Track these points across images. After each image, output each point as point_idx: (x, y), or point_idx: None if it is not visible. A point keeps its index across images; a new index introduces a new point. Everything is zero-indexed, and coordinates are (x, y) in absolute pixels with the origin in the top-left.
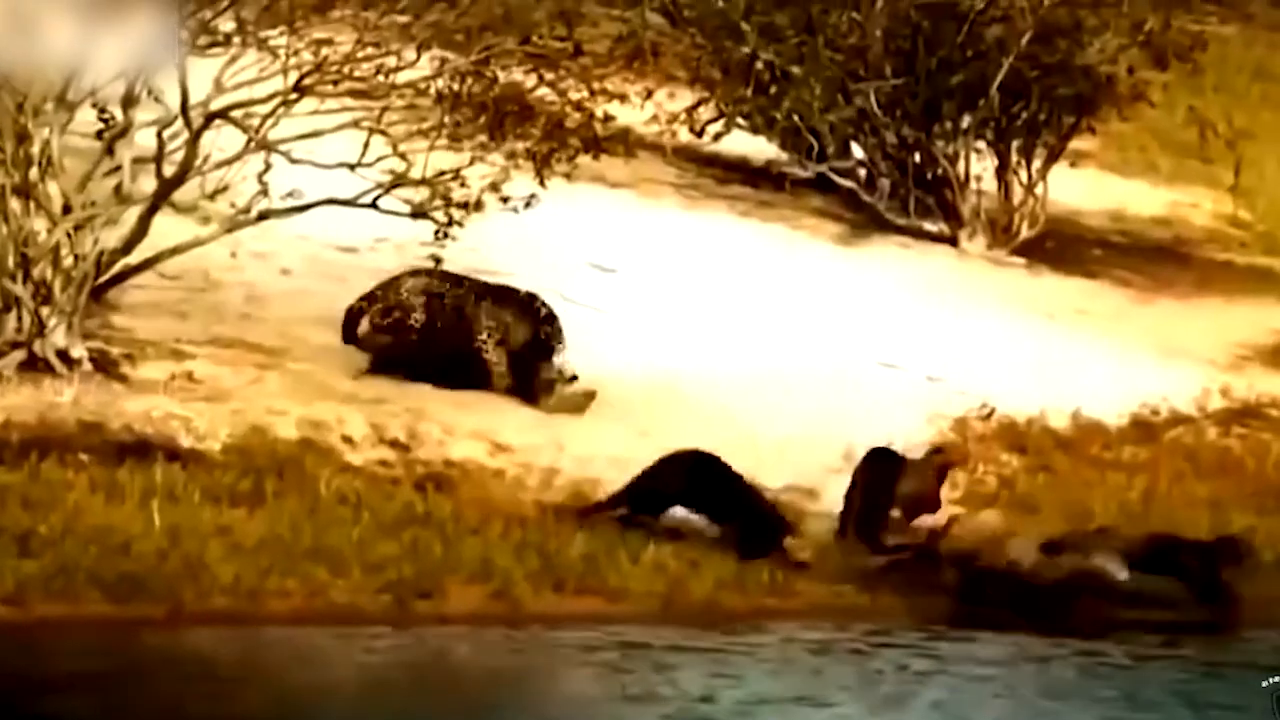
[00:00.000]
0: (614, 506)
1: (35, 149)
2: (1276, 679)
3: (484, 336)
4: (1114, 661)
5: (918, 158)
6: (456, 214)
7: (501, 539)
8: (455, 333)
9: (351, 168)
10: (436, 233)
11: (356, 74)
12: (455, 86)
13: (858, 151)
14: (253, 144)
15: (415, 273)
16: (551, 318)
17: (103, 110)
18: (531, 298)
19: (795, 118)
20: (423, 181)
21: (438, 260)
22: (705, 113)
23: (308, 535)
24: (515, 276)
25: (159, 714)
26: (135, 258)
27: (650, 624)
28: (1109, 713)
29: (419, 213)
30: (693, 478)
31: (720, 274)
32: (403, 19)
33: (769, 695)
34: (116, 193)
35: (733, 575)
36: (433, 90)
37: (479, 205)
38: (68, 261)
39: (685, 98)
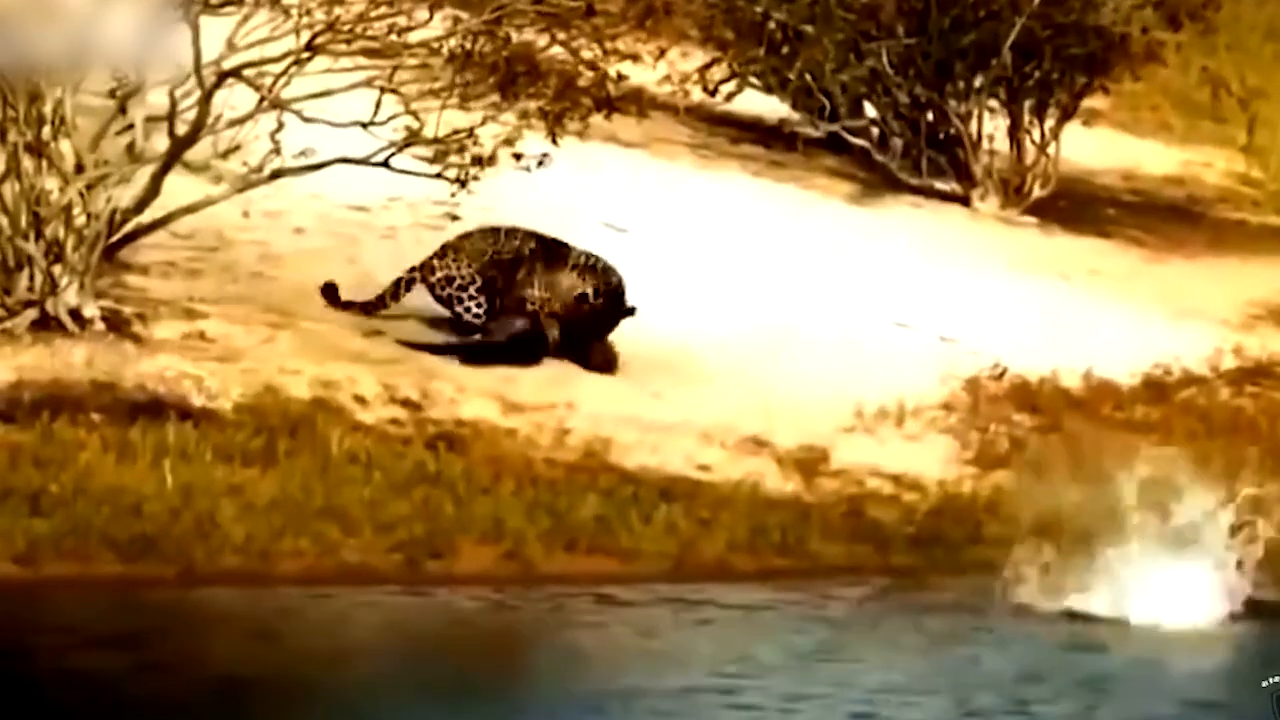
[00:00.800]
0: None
1: (48, 108)
2: (1276, 679)
3: (534, 306)
4: None
5: (930, 117)
6: (471, 170)
7: (513, 498)
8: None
9: (364, 126)
10: (451, 190)
11: (369, 33)
12: (467, 46)
13: (870, 111)
14: (265, 103)
15: (470, 234)
16: (607, 283)
17: (115, 69)
18: (590, 262)
19: (808, 77)
20: (435, 140)
21: (454, 218)
22: (718, 72)
23: (319, 495)
24: None
25: (173, 673)
26: (147, 217)
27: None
28: None
29: (433, 171)
30: None
31: (733, 234)
32: None
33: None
34: (129, 151)
35: (745, 536)
36: (445, 50)
37: (493, 160)
38: (80, 220)
39: (698, 57)
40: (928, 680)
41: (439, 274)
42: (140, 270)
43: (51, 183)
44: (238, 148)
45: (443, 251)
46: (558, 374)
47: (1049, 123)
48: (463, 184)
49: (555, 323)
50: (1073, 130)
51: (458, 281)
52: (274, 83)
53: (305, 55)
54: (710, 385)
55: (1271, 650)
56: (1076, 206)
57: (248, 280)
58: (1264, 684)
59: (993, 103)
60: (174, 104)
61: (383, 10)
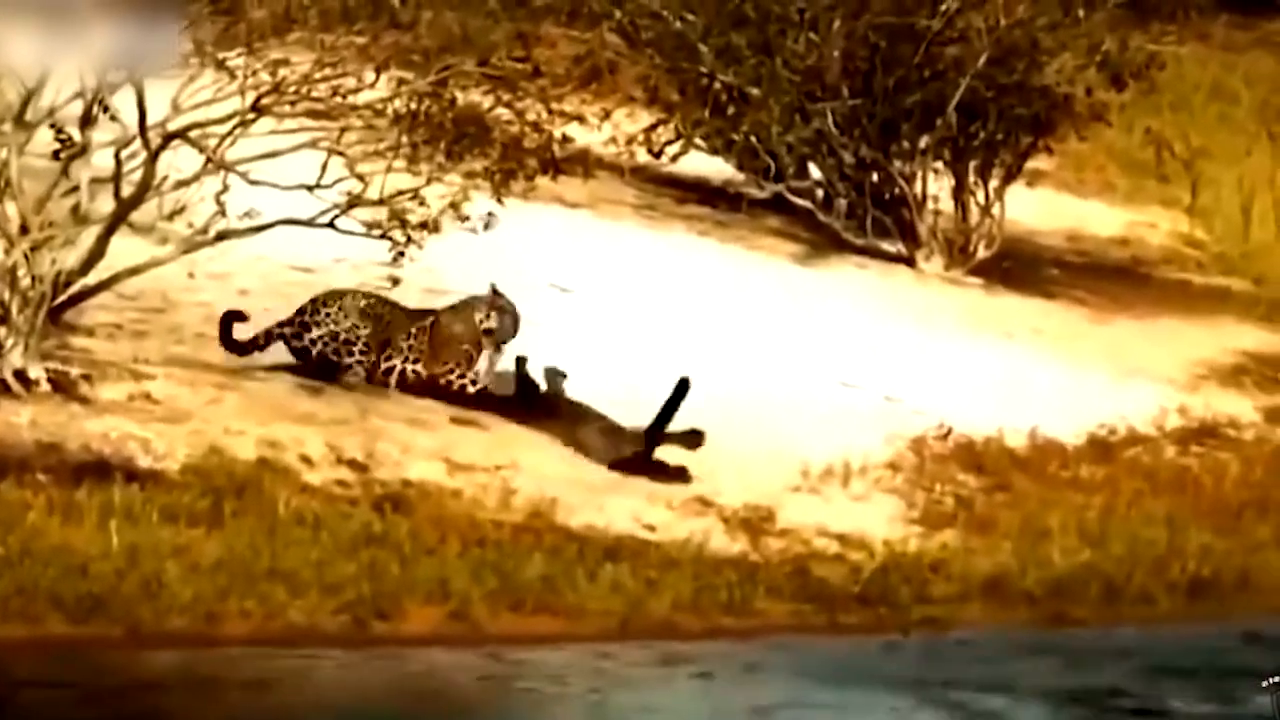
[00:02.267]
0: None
1: None
2: (1276, 679)
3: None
4: None
5: (875, 178)
6: (415, 234)
7: (459, 559)
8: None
9: (310, 189)
10: (394, 253)
11: (314, 94)
12: (413, 107)
13: (815, 172)
14: (210, 164)
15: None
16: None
17: (60, 130)
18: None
19: (753, 138)
20: (380, 201)
21: (395, 281)
22: (663, 133)
23: (266, 555)
24: None
25: None
26: (93, 278)
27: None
28: None
29: (378, 233)
30: None
31: (678, 294)
32: (360, 40)
33: None
34: (74, 213)
35: (690, 595)
36: (390, 111)
37: (437, 226)
38: (25, 282)
39: (643, 118)
40: None
41: (316, 331)
42: (86, 332)
43: None
44: (183, 209)
45: (314, 309)
46: (503, 435)
47: (993, 183)
48: (405, 248)
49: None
50: (1017, 191)
51: (343, 337)
52: (219, 144)
53: (250, 116)
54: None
55: None
56: (1021, 267)
57: (193, 341)
58: (1264, 684)
59: (938, 163)
60: (119, 165)
61: (327, 72)
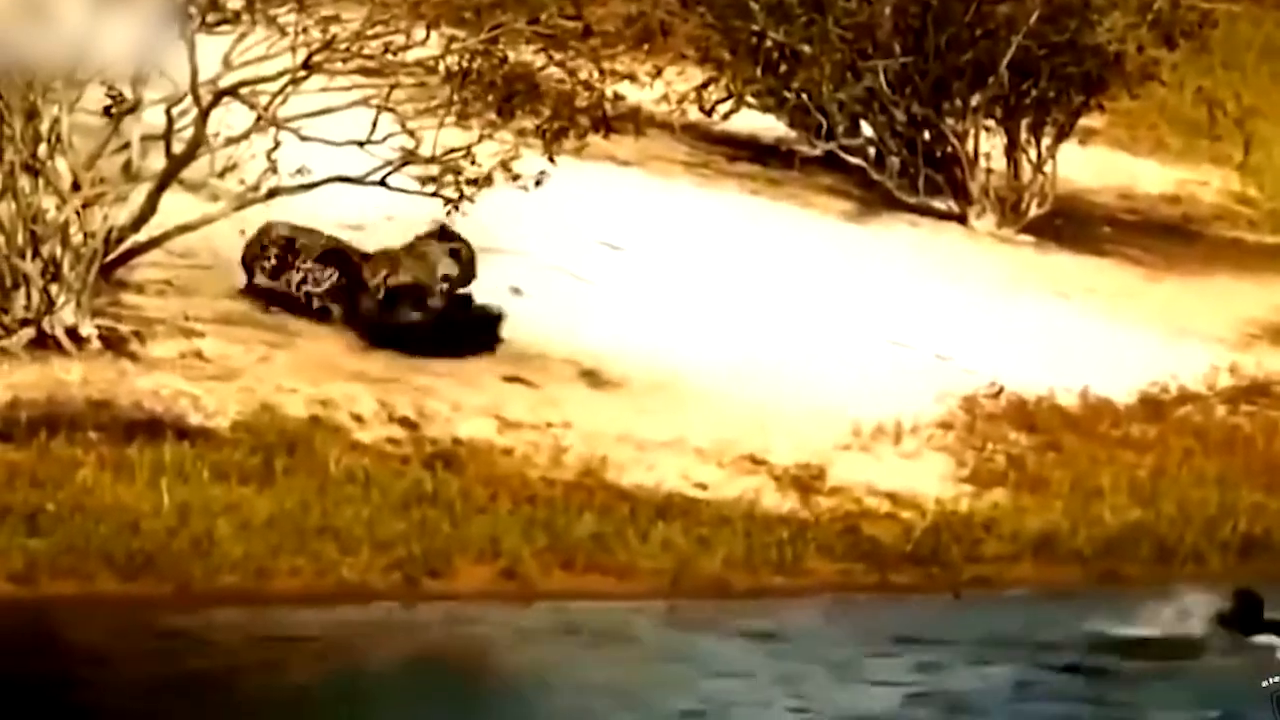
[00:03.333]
0: None
1: (44, 126)
2: (1277, 679)
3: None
4: None
5: (927, 136)
6: (467, 190)
7: (510, 516)
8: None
9: (360, 145)
10: (447, 209)
11: (365, 52)
12: (464, 65)
13: (867, 130)
14: (261, 121)
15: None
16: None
17: (111, 87)
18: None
19: (804, 96)
20: (432, 159)
21: None
22: (715, 91)
23: (317, 513)
24: (525, 254)
25: (170, 690)
26: (144, 235)
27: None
28: None
29: (430, 190)
30: None
31: (729, 251)
32: None
33: None
34: (125, 170)
35: (742, 553)
36: (442, 68)
37: (489, 180)
38: (77, 239)
39: (695, 76)
40: None
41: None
42: (137, 289)
43: (48, 201)
44: (234, 166)
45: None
46: (553, 393)
47: (1045, 141)
48: (458, 203)
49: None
50: (1069, 149)
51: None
52: (270, 101)
53: (302, 74)
54: (707, 403)
55: None
56: (1073, 225)
57: (244, 299)
58: (1264, 684)
59: (989, 121)
60: (171, 122)
61: (379, 29)
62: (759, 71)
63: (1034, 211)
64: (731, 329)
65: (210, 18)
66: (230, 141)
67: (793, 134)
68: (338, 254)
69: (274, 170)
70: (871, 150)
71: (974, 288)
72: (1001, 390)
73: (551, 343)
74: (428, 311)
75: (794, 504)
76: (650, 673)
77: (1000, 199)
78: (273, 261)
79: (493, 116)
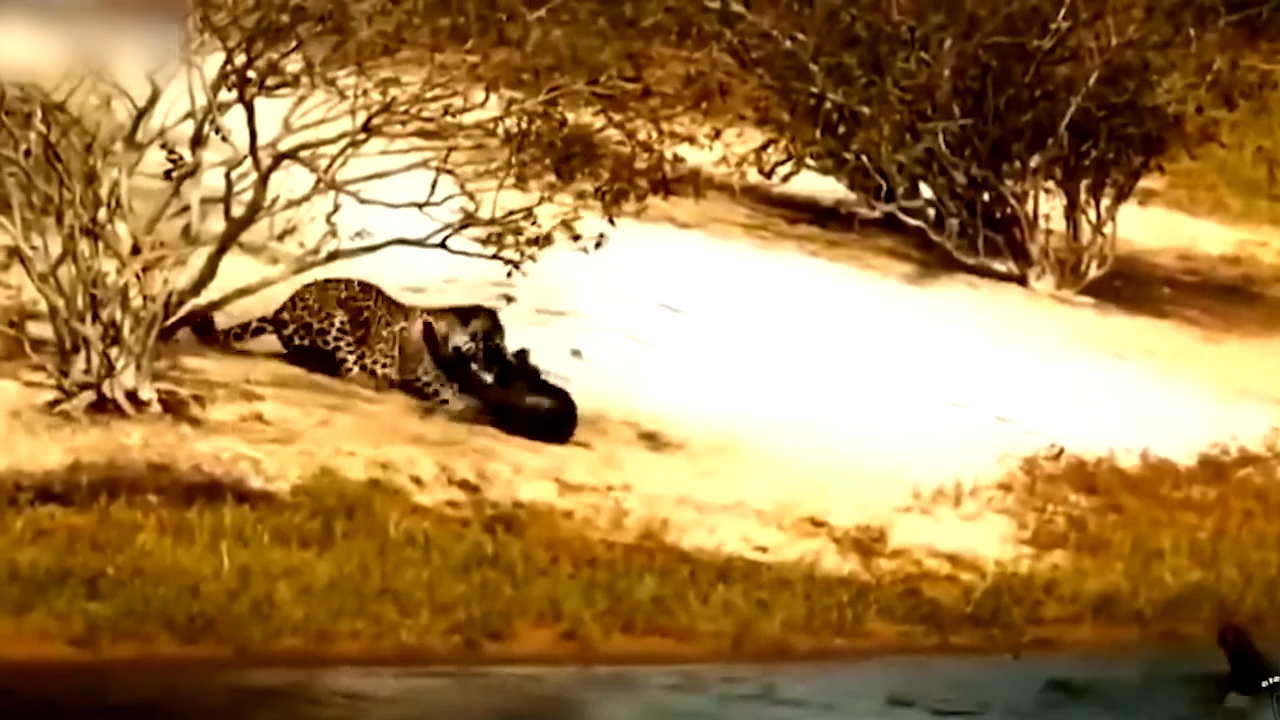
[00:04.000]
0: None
1: (104, 190)
2: (1276, 679)
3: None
4: None
5: (986, 197)
6: (527, 250)
7: (571, 579)
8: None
9: (420, 207)
10: (507, 270)
11: (424, 114)
12: (523, 126)
13: (926, 191)
14: (321, 184)
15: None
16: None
17: (171, 151)
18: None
19: (864, 158)
20: (492, 221)
21: (509, 299)
22: (774, 153)
23: (376, 576)
24: (584, 316)
25: None
26: (204, 299)
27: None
28: None
29: (489, 252)
30: None
31: (789, 313)
32: (471, 59)
33: None
34: (185, 233)
35: (802, 616)
36: (500, 130)
37: (549, 240)
38: (136, 302)
39: (754, 138)
40: None
41: (292, 326)
42: (197, 352)
43: (108, 265)
44: (294, 229)
45: (292, 304)
46: (613, 455)
47: (1105, 202)
48: (518, 265)
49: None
50: (1128, 210)
51: (316, 327)
52: (330, 164)
53: (361, 136)
54: (767, 466)
55: None
56: (1132, 286)
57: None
58: (1264, 684)
59: (1049, 182)
60: (230, 185)
61: (438, 91)
62: (818, 133)
63: (1093, 273)
64: (791, 391)
65: (269, 81)
66: (290, 204)
67: (852, 196)
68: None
69: (334, 233)
70: (931, 211)
71: (1034, 349)
72: (1062, 452)
73: (611, 405)
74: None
75: (854, 566)
76: None
77: (1060, 260)
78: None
79: (552, 179)
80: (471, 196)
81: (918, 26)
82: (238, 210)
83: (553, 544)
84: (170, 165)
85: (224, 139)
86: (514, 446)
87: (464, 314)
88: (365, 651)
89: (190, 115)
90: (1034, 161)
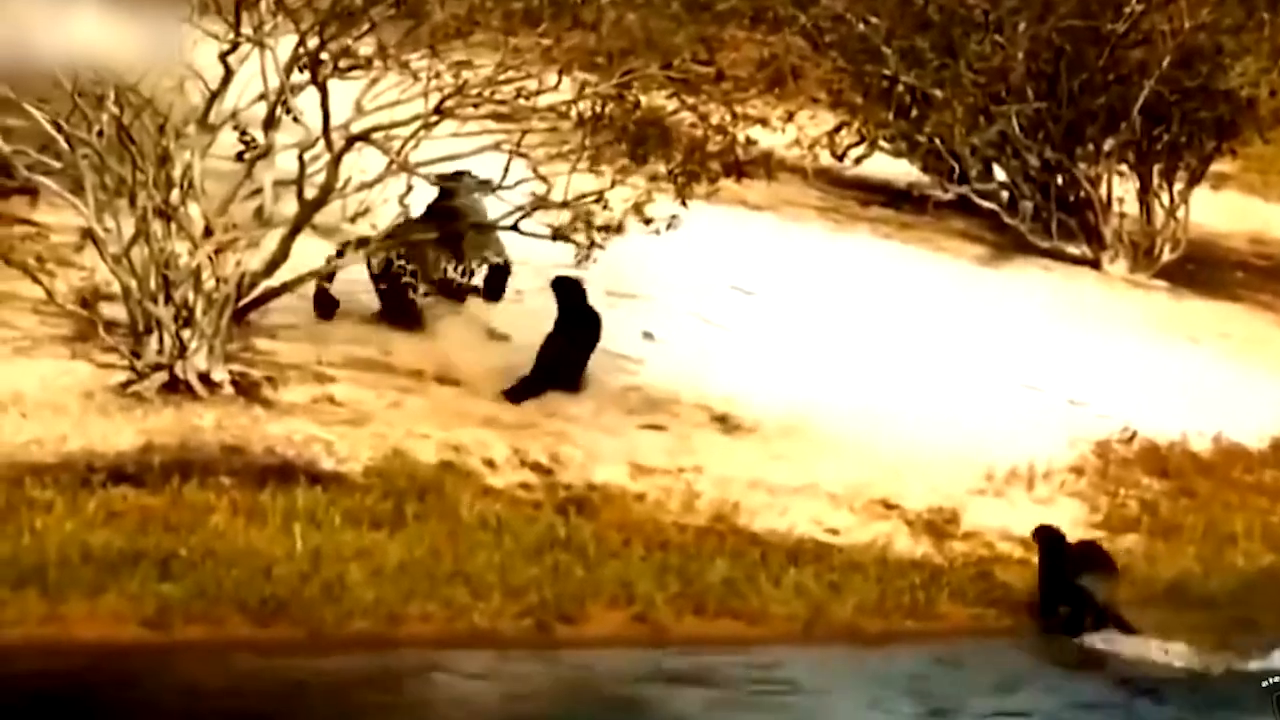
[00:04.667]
0: None
1: (177, 171)
2: (1276, 679)
3: None
4: None
5: (1060, 180)
6: (598, 236)
7: (642, 562)
8: None
9: (493, 190)
10: (577, 255)
11: (497, 97)
12: (596, 109)
13: (999, 174)
14: (394, 166)
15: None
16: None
17: (244, 133)
18: None
19: (937, 140)
20: (564, 204)
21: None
22: (847, 136)
23: (448, 558)
24: (656, 299)
25: None
26: (276, 280)
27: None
28: None
29: (561, 235)
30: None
31: (861, 296)
32: (544, 42)
33: None
34: (258, 215)
35: (874, 599)
36: (573, 113)
37: (620, 228)
38: (209, 284)
39: (827, 121)
40: None
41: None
42: (269, 334)
43: (181, 246)
44: (366, 211)
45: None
46: (686, 438)
47: (1178, 186)
48: (590, 249)
49: None
50: (1201, 193)
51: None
52: (402, 146)
53: (434, 119)
54: (838, 448)
55: None
56: (1205, 270)
57: (377, 344)
58: (1264, 684)
59: (1122, 166)
60: (303, 167)
61: (511, 74)
62: (891, 116)
63: (1166, 256)
64: (863, 373)
65: (343, 63)
66: (363, 186)
67: (925, 178)
68: None
69: (406, 215)
70: (1004, 194)
71: (1107, 332)
72: (1134, 435)
73: (683, 388)
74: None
75: (927, 549)
76: None
77: (1133, 244)
78: None
79: (624, 161)
80: (544, 179)
81: (991, 10)
82: (310, 192)
83: (625, 526)
84: (243, 147)
85: (296, 121)
86: (587, 429)
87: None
88: (437, 634)
89: (263, 97)
90: (1107, 145)
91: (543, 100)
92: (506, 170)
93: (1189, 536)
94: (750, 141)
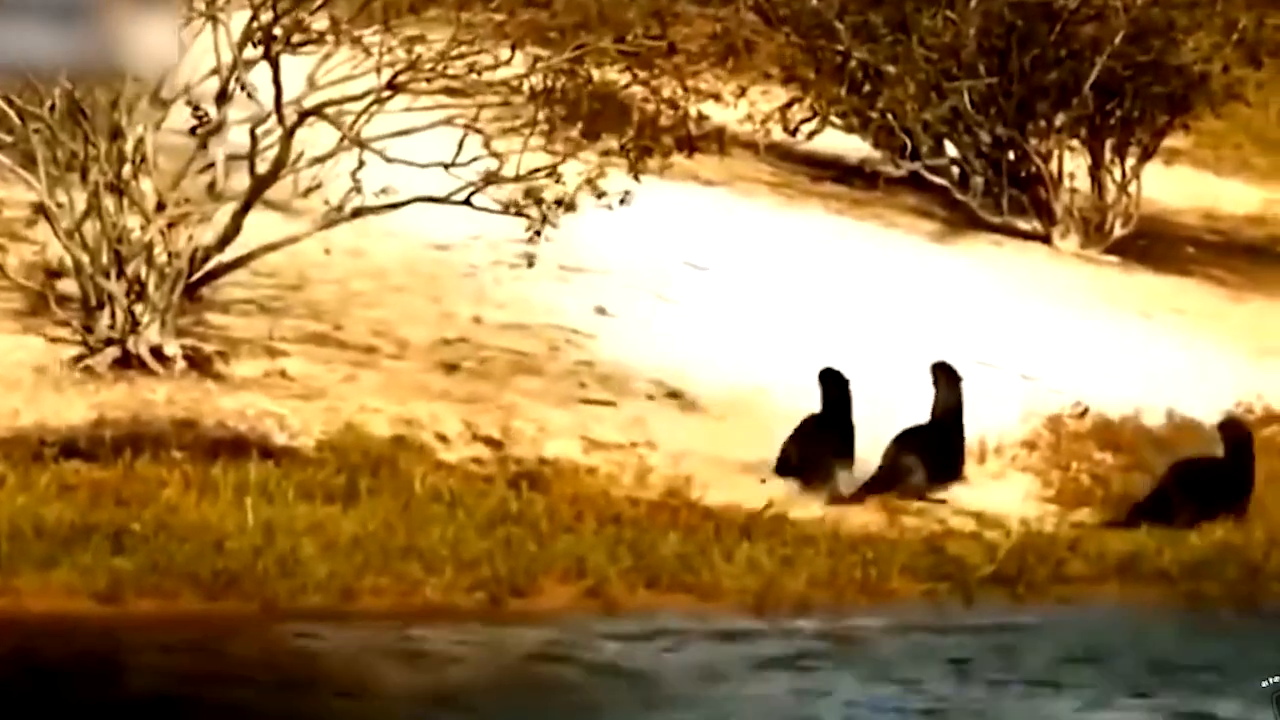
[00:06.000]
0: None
1: (129, 146)
2: (1276, 679)
3: None
4: None
5: (1011, 156)
6: (550, 211)
7: (595, 536)
8: None
9: (446, 166)
10: (530, 230)
11: (450, 71)
12: (549, 84)
13: (951, 150)
14: (346, 141)
15: None
16: None
17: (196, 107)
18: None
19: (889, 116)
20: (517, 178)
21: (531, 259)
22: (799, 111)
23: (401, 533)
24: (609, 274)
25: (253, 712)
26: (229, 255)
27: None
28: None
29: (514, 210)
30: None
31: (813, 271)
32: (497, 17)
33: None
34: (210, 190)
35: (826, 573)
36: (526, 88)
37: (573, 204)
38: (161, 259)
39: (779, 96)
40: None
41: None
42: (221, 308)
43: (133, 221)
44: (319, 186)
45: None
46: (637, 412)
47: (1130, 161)
48: (543, 224)
49: None
50: (1153, 169)
51: None
52: (355, 121)
53: (386, 94)
54: (791, 423)
55: None
56: (1158, 245)
57: (329, 318)
58: (1264, 684)
59: (1074, 142)
60: (255, 142)
61: (464, 49)
62: (843, 91)
63: (1118, 232)
64: (816, 349)
65: (295, 38)
66: (315, 161)
67: (877, 154)
68: None
69: (358, 190)
70: (956, 170)
71: (1058, 307)
72: (1086, 410)
73: (636, 363)
74: None
75: (879, 523)
76: None
77: (1084, 219)
78: None
79: (577, 137)
80: (497, 155)
81: None
82: (262, 167)
83: (577, 501)
84: (195, 122)
85: (249, 95)
86: (539, 404)
87: None
88: (390, 608)
89: (215, 72)
90: (1059, 120)
91: (496, 75)
92: (460, 146)
93: None
94: (702, 116)
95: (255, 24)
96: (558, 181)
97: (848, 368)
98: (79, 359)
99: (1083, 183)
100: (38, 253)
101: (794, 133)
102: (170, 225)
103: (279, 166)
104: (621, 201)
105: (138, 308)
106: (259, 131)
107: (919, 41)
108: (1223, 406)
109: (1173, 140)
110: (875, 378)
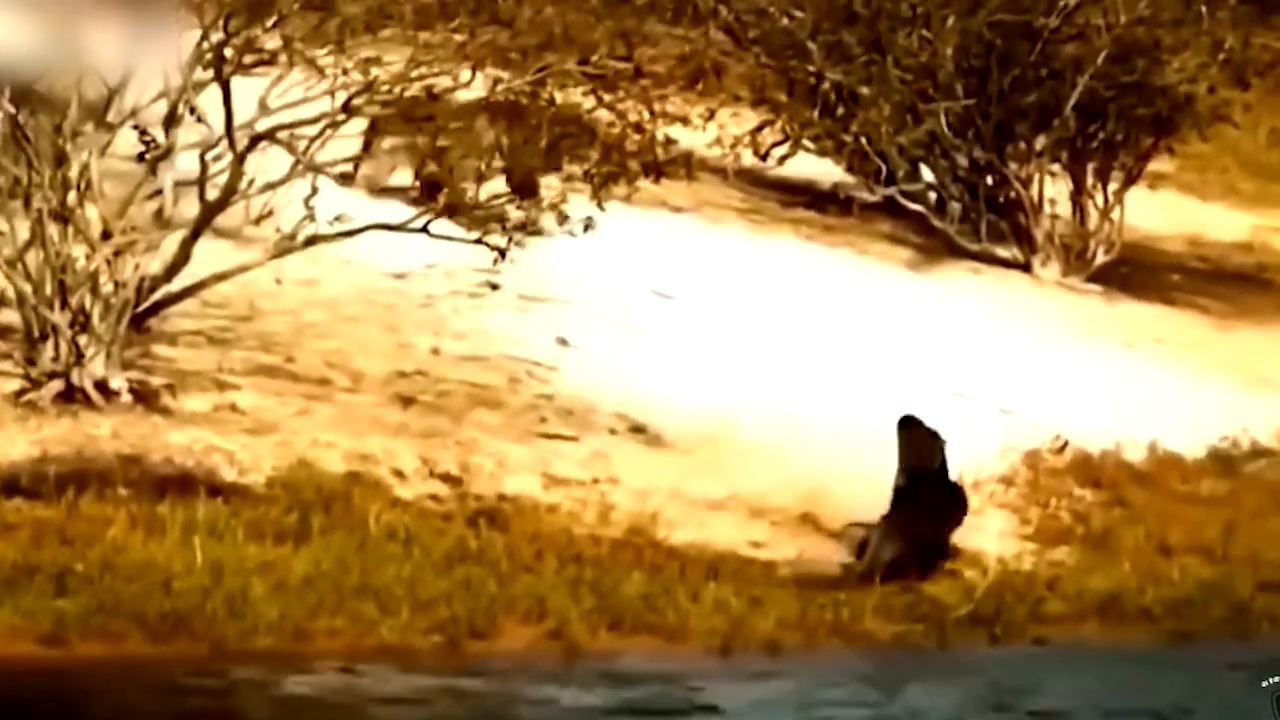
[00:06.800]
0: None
1: (74, 172)
2: (1276, 679)
3: None
4: None
5: (990, 181)
6: (515, 236)
7: (556, 576)
8: None
9: (403, 191)
10: (494, 257)
11: (408, 94)
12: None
13: (927, 174)
14: (299, 166)
15: None
16: None
17: (144, 132)
18: None
19: (863, 140)
20: (476, 205)
21: (494, 286)
22: (770, 135)
23: (356, 572)
24: (573, 303)
25: None
26: (177, 285)
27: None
28: None
29: (474, 237)
30: None
31: (784, 301)
32: (457, 37)
33: None
34: (158, 217)
35: (796, 614)
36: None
37: (537, 229)
38: (107, 289)
39: (749, 119)
40: None
41: None
42: (169, 340)
43: (78, 250)
44: (271, 213)
45: None
46: (599, 448)
47: (1113, 186)
48: (504, 251)
49: None
50: (1137, 193)
51: None
52: (308, 145)
53: (341, 117)
54: (760, 459)
55: None
56: (1141, 273)
57: (281, 350)
58: (1264, 684)
59: (1055, 166)
60: (205, 168)
61: (422, 70)
62: (816, 114)
63: (1100, 259)
64: (786, 382)
65: (247, 59)
66: (267, 187)
67: (850, 179)
68: None
69: (311, 217)
70: (932, 196)
71: (1038, 338)
72: (1066, 444)
73: (599, 396)
74: None
75: (851, 562)
76: None
77: (1065, 246)
78: None
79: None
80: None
81: (920, 4)
82: (212, 194)
83: (538, 539)
84: (143, 147)
85: (199, 119)
86: (498, 438)
87: None
88: (344, 650)
89: (164, 95)
90: (1039, 143)
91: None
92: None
93: (1123, 549)
94: (670, 140)
95: (205, 44)
96: (518, 208)
97: (819, 400)
98: (21, 393)
99: (1064, 208)
100: None
101: (765, 157)
102: (116, 254)
103: (229, 193)
104: (585, 228)
105: (82, 339)
106: (209, 157)
107: (894, 62)
108: (1207, 440)
109: (1157, 164)
110: (847, 412)
